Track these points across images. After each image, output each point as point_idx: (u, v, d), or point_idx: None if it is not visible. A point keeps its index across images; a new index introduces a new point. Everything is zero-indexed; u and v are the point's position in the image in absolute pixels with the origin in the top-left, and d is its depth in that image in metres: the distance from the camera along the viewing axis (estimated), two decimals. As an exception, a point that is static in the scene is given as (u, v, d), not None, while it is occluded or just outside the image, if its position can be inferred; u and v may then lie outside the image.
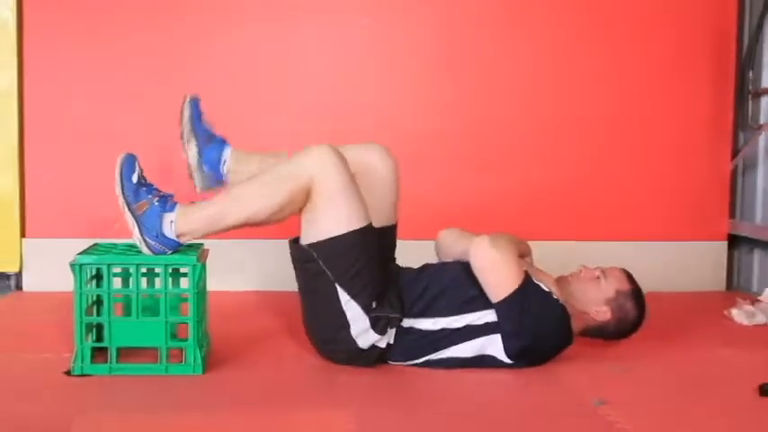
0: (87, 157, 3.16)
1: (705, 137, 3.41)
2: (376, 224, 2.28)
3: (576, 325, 2.27)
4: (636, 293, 2.31)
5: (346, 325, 2.20)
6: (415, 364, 2.26)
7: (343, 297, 2.19)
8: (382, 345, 2.23)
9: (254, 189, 2.19)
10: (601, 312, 2.28)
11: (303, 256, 2.23)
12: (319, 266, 2.19)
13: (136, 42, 3.19)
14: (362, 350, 2.22)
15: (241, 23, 3.23)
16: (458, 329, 2.22)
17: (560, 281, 2.33)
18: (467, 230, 2.41)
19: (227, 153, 2.37)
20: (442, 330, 2.23)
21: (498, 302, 2.19)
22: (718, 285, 3.41)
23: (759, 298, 3.06)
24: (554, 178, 3.33)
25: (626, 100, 3.36)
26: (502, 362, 2.22)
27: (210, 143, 2.37)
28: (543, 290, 2.22)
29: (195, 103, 2.40)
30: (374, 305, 2.19)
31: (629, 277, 2.34)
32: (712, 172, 3.41)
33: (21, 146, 3.18)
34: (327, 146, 2.20)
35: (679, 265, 3.38)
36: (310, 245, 2.20)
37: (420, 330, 2.23)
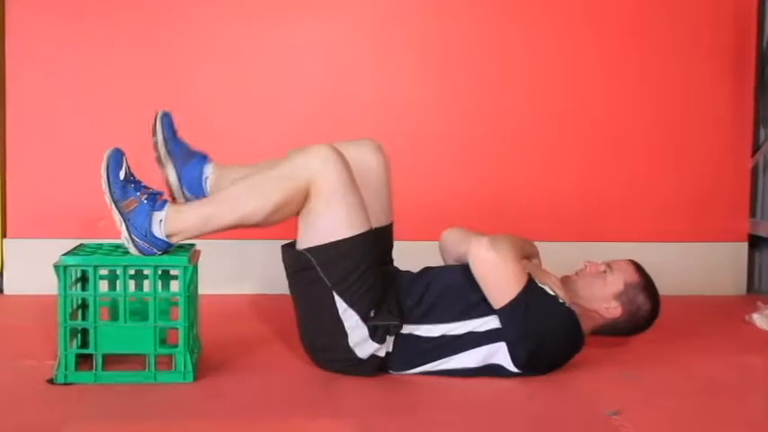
0: (72, 154, 3.15)
1: (724, 133, 3.39)
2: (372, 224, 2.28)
3: (586, 325, 2.26)
4: (647, 284, 2.30)
5: (344, 334, 2.19)
6: (416, 373, 2.25)
7: (341, 306, 2.18)
8: (381, 354, 2.22)
9: (249, 189, 2.17)
10: (611, 309, 2.27)
11: (298, 262, 2.21)
12: (316, 273, 2.18)
13: (121, 39, 3.17)
14: (361, 360, 2.21)
15: (232, 20, 3.21)
16: (459, 337, 2.21)
17: (565, 281, 2.31)
18: (471, 230, 2.39)
19: (209, 169, 2.31)
20: (442, 337, 2.21)
21: (500, 308, 2.18)
22: (738, 288, 3.40)
23: (781, 302, 3.05)
24: (566, 177, 3.32)
25: (641, 95, 3.35)
26: (509, 371, 2.21)
27: (190, 161, 2.31)
28: (548, 293, 2.21)
29: (167, 120, 2.32)
30: (372, 313, 2.18)
31: (638, 268, 2.32)
32: (731, 169, 3.40)
33: (2, 143, 3.17)
34: (328, 145, 2.19)
35: (697, 266, 3.36)
36: (308, 249, 2.19)
37: (419, 337, 2.22)
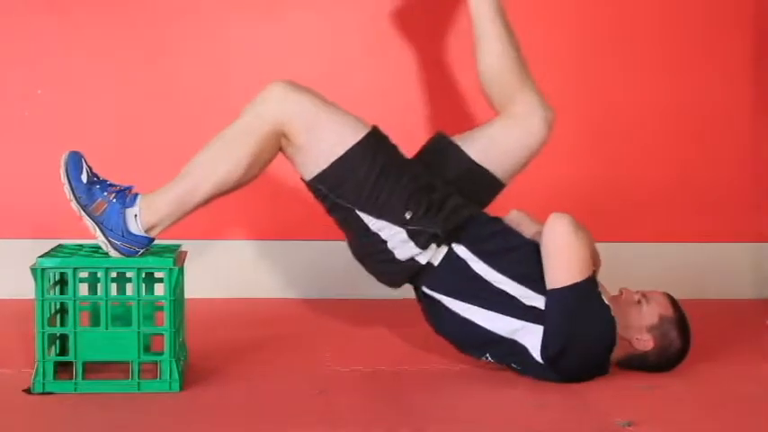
0: (46, 147, 3.12)
1: (745, 123, 3.36)
2: (486, 166, 2.35)
3: (614, 352, 2.27)
4: (681, 321, 2.30)
5: (382, 241, 2.24)
6: (441, 303, 2.27)
7: (369, 220, 2.23)
8: (422, 260, 2.25)
9: (215, 154, 2.19)
10: (642, 341, 2.27)
11: (313, 192, 2.27)
12: (332, 198, 2.23)
13: (80, 27, 3.15)
14: (399, 261, 2.25)
15: (211, 7, 3.20)
16: (504, 293, 2.23)
17: (611, 300, 2.30)
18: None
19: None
20: (489, 284, 2.24)
21: (553, 289, 2.19)
22: (761, 292, 3.38)
23: (807, 306, 3.05)
24: (580, 173, 3.30)
25: (658, 82, 3.32)
26: (531, 359, 2.22)
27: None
28: (603, 300, 2.23)
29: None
30: (409, 215, 2.21)
31: (674, 303, 2.32)
32: (755, 163, 3.37)
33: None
34: (279, 82, 2.21)
35: (717, 268, 3.34)
36: (312, 180, 2.23)
37: (470, 269, 2.25)
